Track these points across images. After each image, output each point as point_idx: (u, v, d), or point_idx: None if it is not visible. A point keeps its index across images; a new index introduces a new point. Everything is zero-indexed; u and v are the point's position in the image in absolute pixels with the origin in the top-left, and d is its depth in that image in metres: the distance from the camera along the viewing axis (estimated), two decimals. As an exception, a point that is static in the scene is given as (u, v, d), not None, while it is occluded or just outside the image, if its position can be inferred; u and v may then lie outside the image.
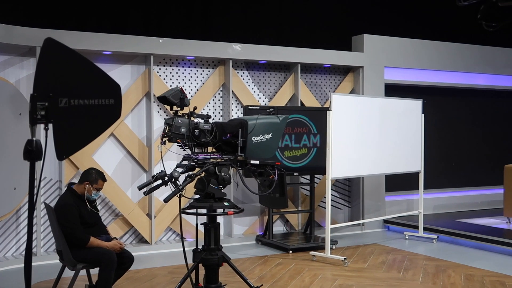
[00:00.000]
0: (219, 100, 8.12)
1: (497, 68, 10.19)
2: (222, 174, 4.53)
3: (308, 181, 8.21)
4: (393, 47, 9.18)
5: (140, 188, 4.58)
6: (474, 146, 10.26)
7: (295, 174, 7.87)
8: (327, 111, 6.79)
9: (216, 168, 4.53)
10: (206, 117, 4.64)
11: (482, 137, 10.35)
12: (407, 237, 8.25)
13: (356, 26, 9.23)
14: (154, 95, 7.43)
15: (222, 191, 4.60)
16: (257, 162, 4.68)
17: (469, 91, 10.09)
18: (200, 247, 4.71)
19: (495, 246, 7.34)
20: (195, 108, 4.63)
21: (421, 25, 9.93)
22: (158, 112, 7.68)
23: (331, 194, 7.11)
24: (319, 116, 7.75)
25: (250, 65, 8.33)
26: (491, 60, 10.12)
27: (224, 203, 4.59)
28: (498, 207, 9.50)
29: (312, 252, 7.04)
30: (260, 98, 8.39)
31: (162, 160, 4.49)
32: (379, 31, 9.12)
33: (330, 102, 6.83)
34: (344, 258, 6.70)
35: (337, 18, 9.33)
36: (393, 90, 9.01)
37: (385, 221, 8.98)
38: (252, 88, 8.34)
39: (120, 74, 7.37)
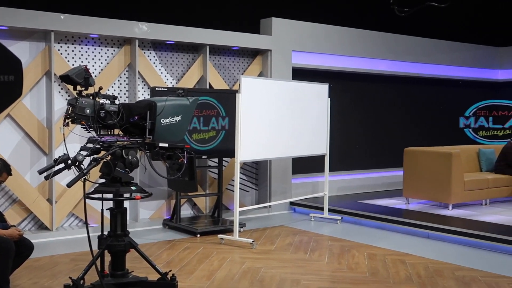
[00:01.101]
0: (124, 81, 7.85)
1: (399, 54, 10.57)
2: (130, 157, 4.36)
3: (216, 164, 8.16)
4: (300, 31, 9.27)
5: (40, 172, 4.32)
6: (377, 130, 10.63)
7: (203, 157, 7.78)
8: (237, 94, 6.75)
9: (123, 151, 4.35)
10: (112, 98, 4.43)
11: (384, 121, 10.73)
12: (312, 219, 8.42)
13: (265, 9, 9.22)
14: (55, 74, 7.04)
15: (130, 175, 4.44)
16: (166, 145, 4.54)
17: (373, 76, 10.42)
18: (105, 233, 4.53)
19: (395, 225, 7.65)
20: (100, 88, 4.41)
21: (329, 10, 10.08)
22: (60, 92, 7.29)
23: (239, 177, 7.10)
24: (228, 98, 7.69)
25: (158, 46, 8.10)
26: (393, 46, 10.49)
27: (132, 187, 4.43)
28: (398, 188, 9.91)
29: (220, 236, 7.01)
30: (167, 79, 8.20)
31: (64, 143, 4.24)
32: (288, 15, 9.17)
33: (239, 84, 6.78)
34: (252, 241, 6.72)
35: (246, 0, 9.28)
36: (300, 74, 9.12)
37: (291, 203, 9.12)
38: (160, 69, 8.13)
39: (18, 51, 6.88)
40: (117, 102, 4.44)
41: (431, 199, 8.73)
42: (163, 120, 4.50)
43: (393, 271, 5.72)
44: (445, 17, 11.04)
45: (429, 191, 8.62)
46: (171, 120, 4.56)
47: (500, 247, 6.52)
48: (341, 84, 9.95)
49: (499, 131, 12.00)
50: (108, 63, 7.66)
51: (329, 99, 8.31)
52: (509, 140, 9.67)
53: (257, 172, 9.10)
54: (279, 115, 7.47)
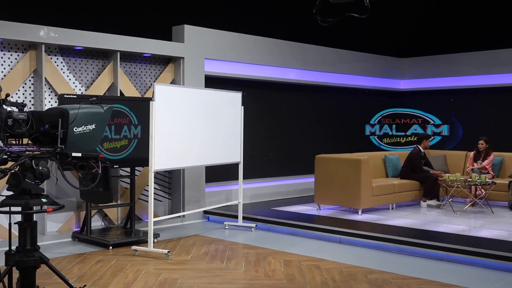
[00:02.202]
0: (30, 87, 7.48)
1: (308, 63, 10.82)
2: (40, 168, 4.14)
3: (128, 174, 7.95)
4: (213, 39, 9.26)
5: None
6: (289, 137, 10.80)
7: (115, 166, 7.55)
8: (150, 102, 6.61)
9: (33, 161, 4.12)
10: (21, 106, 4.19)
11: (296, 129, 10.92)
12: (227, 227, 8.40)
13: (177, 16, 9.13)
14: (-47, 80, 6.60)
15: (40, 186, 4.22)
16: (79, 154, 4.35)
17: (284, 85, 10.58)
18: (13, 248, 4.27)
19: (308, 231, 7.79)
20: (7, 95, 4.16)
21: (241, 19, 10.14)
22: (-42, 99, 6.82)
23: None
24: (140, 106, 7.53)
25: (65, 51, 7.80)
26: (303, 56, 10.72)
27: (42, 199, 4.20)
28: (310, 194, 10.11)
29: (134, 247, 6.83)
30: (76, 86, 7.91)
31: (-33, 153, 3.95)
32: (201, 23, 9.13)
33: (153, 92, 6.65)
34: (167, 251, 6.60)
35: (158, 6, 9.14)
36: (213, 82, 9.10)
37: (205, 212, 9.05)
38: (68, 76, 7.82)
39: None
40: (26, 109, 4.21)
41: (342, 205, 8.97)
42: (76, 129, 4.31)
43: (309, 276, 5.80)
44: (351, 28, 11.42)
45: (339, 197, 8.86)
46: (85, 128, 4.38)
47: (407, 250, 6.79)
48: (254, 92, 10.03)
49: (401, 138, 12.57)
50: (11, 69, 7.28)
51: (242, 107, 8.34)
52: (414, 146, 10.12)
53: (170, 181, 8.96)
54: (192, 123, 7.40)
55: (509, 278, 5.76)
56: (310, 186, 9.88)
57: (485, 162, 9.88)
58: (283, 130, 10.69)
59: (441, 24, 12.43)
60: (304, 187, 10.75)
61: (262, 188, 10.28)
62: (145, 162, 7.01)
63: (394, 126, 12.65)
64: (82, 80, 7.96)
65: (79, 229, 7.67)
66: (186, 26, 8.89)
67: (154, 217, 6.91)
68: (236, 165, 8.46)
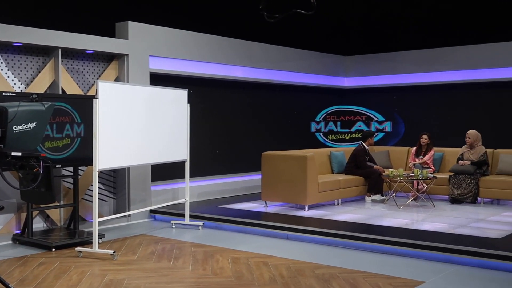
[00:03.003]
0: (-35, 85, 7.19)
1: (254, 61, 10.83)
2: (-23, 168, 3.99)
3: (71, 173, 7.75)
4: (157, 36, 9.14)
5: None
6: (236, 135, 10.79)
7: (57, 166, 7.34)
8: (94, 99, 6.47)
9: (-30, 161, 3.96)
10: (-44, 103, 4.02)
11: (243, 126, 10.92)
12: (174, 226, 8.31)
13: (121, 12, 8.96)
14: None
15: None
16: (19, 153, 4.21)
17: (230, 82, 10.56)
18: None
19: (256, 228, 7.80)
20: None
21: (186, 16, 10.06)
22: None
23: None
24: (83, 104, 7.36)
25: (3, 48, 7.53)
26: (248, 53, 10.72)
27: (-20, 201, 4.04)
28: (257, 191, 10.13)
29: (78, 248, 6.66)
30: (15, 84, 7.64)
31: None
32: (145, 19, 9.00)
33: (96, 90, 6.50)
34: (113, 252, 6.47)
35: (101, 2, 8.94)
36: (158, 79, 9.00)
37: (151, 211, 8.93)
38: (6, 73, 7.55)
39: None
40: (-39, 107, 4.04)
41: (289, 201, 9.04)
42: (15, 127, 4.17)
43: (257, 273, 5.81)
44: (297, 27, 11.51)
45: (286, 193, 8.92)
46: (25, 127, 4.24)
47: (353, 244, 6.90)
48: (200, 90, 9.97)
49: (346, 135, 12.78)
50: None
51: (188, 104, 8.28)
52: (359, 143, 10.29)
53: (115, 180, 8.80)
54: (137, 121, 7.28)
55: (451, 269, 5.94)
56: (257, 183, 9.91)
57: (426, 157, 10.15)
58: (229, 127, 10.67)
59: (384, 22, 12.69)
60: (251, 184, 10.77)
61: (209, 186, 10.23)
62: (88, 161, 6.86)
63: (339, 123, 12.84)
64: (21, 77, 7.70)
65: (19, 231, 7.42)
66: (130, 22, 8.74)
67: (98, 217, 6.75)
68: (182, 163, 8.39)
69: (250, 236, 7.69)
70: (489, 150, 9.79)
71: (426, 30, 12.20)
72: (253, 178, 10.70)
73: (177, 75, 9.51)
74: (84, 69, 8.41)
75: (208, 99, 10.25)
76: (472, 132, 9.72)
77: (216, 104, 10.44)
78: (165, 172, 9.17)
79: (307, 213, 8.59)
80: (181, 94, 8.18)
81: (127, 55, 8.66)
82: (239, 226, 7.97)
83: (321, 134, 12.66)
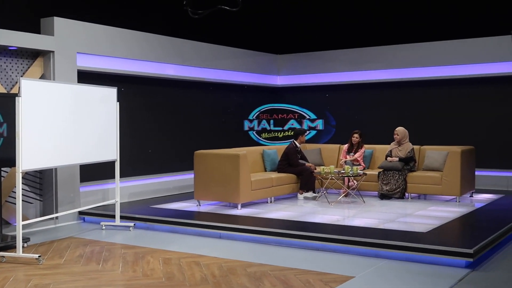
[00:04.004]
0: None
1: (186, 59, 10.72)
2: None
3: (-6, 175, 7.41)
4: (86, 32, 8.89)
5: None
6: (169, 133, 10.64)
7: (-22, 167, 7.00)
8: (16, 98, 6.21)
9: None
10: None
11: (175, 125, 10.79)
12: (103, 227, 8.11)
13: (46, 7, 8.65)
14: None
15: None
16: None
17: (162, 80, 10.41)
18: None
19: (188, 228, 7.72)
20: None
21: (116, 13, 9.83)
22: None
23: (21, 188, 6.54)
24: (6, 103, 7.03)
25: None
26: (180, 51, 10.60)
27: None
28: (190, 191, 10.04)
29: (1, 253, 6.38)
30: None
31: None
32: (73, 15, 8.73)
33: (19, 87, 6.24)
34: (38, 256, 6.24)
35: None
36: (88, 77, 8.75)
37: (80, 212, 8.69)
38: None
39: None
40: None
41: (221, 200, 8.99)
42: None
43: (189, 273, 5.74)
44: (229, 24, 11.50)
45: (219, 192, 8.87)
46: None
47: (285, 241, 6.94)
48: (131, 88, 9.77)
49: (279, 133, 12.87)
50: None
51: (118, 103, 8.09)
52: (291, 141, 10.36)
53: (41, 181, 8.49)
54: (64, 120, 7.05)
55: (380, 264, 6.06)
56: (190, 182, 9.82)
57: (357, 155, 10.35)
58: (162, 126, 10.52)
59: (316, 21, 12.86)
60: (184, 183, 10.66)
61: (141, 186, 10.04)
62: (12, 162, 6.58)
63: (272, 121, 12.93)
64: None
65: None
66: (56, 18, 8.45)
67: (23, 220, 6.50)
68: (113, 163, 8.19)
69: (182, 236, 7.60)
70: (416, 147, 10.09)
71: (357, 30, 12.45)
72: (186, 177, 10.59)
73: (107, 73, 9.29)
74: (7, 66, 8.07)
75: (140, 97, 10.07)
76: (400, 129, 9.99)
77: (148, 102, 10.26)
78: (94, 172, 8.93)
79: (240, 211, 8.57)
80: (110, 92, 7.98)
81: (53, 52, 8.38)
82: (171, 226, 7.87)
83: (254, 132, 12.70)
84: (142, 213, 8.36)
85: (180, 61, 10.61)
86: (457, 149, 9.50)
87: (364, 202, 9.33)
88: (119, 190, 8.19)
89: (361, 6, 12.16)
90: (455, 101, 11.42)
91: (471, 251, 5.84)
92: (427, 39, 11.49)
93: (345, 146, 10.62)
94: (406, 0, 11.70)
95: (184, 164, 10.47)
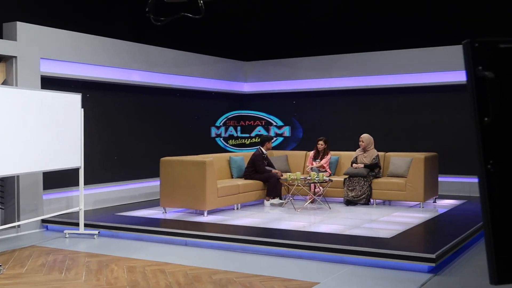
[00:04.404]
0: None
1: (152, 65, 10.67)
2: None
3: (-47, 183, 7.24)
4: (50, 38, 8.77)
5: None
6: (135, 140, 10.55)
7: None
8: (-24, 103, 6.08)
9: None
10: None
11: (142, 131, 10.71)
12: (67, 236, 7.99)
13: (9, 12, 8.51)
14: None
15: None
16: None
17: (128, 86, 10.33)
18: None
19: (154, 236, 7.66)
20: None
21: (81, 18, 9.73)
22: None
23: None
24: (-34, 109, 6.88)
25: None
26: (147, 57, 10.55)
27: None
28: (156, 198, 9.96)
29: (-41, 263, 6.23)
30: None
31: None
32: (37, 20, 8.61)
33: (-21, 93, 6.12)
34: (-1, 265, 6.11)
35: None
36: (52, 83, 8.62)
37: (43, 220, 8.54)
38: None
39: None
40: None
41: (188, 207, 8.95)
42: None
43: (153, 281, 5.69)
44: (196, 31, 11.49)
45: (185, 199, 8.83)
46: None
47: (251, 248, 6.94)
48: (97, 94, 9.67)
49: (246, 139, 12.89)
50: None
51: (82, 109, 7.99)
52: (258, 147, 10.39)
53: (3, 189, 8.32)
54: (27, 127, 6.94)
55: (344, 269, 6.11)
56: (156, 189, 9.75)
57: (323, 161, 10.44)
58: (128, 133, 10.43)
59: (283, 29, 12.95)
60: (150, 190, 10.58)
61: (106, 193, 9.93)
62: (-29, 169, 6.43)
63: (239, 128, 12.94)
64: None
65: None
66: (18, 23, 8.32)
67: (-17, 229, 6.36)
68: (76, 170, 8.08)
69: (148, 243, 7.54)
70: (381, 153, 10.22)
71: (324, 37, 12.57)
72: (152, 184, 10.51)
73: (72, 79, 9.17)
74: (-33, 71, 7.91)
75: (106, 103, 9.97)
76: (365, 136, 10.11)
77: (115, 108, 10.17)
78: (58, 179, 8.79)
79: (206, 218, 8.55)
80: (75, 99, 7.89)
81: (15, 57, 8.24)
82: (136, 234, 7.80)
83: (221, 139, 12.69)
84: (106, 221, 8.27)
85: (147, 67, 10.55)
86: (421, 155, 9.66)
87: (330, 208, 9.40)
88: (83, 198, 8.08)
89: (327, 14, 12.29)
90: (419, 109, 11.61)
91: (433, 256, 5.94)
92: (393, 48, 11.67)
93: (311, 153, 10.70)
94: (372, 9, 11.88)
95: (150, 171, 10.38)
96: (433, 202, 10.18)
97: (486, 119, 1.44)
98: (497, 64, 1.46)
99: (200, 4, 4.49)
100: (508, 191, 1.43)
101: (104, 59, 9.68)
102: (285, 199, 10.07)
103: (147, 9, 4.79)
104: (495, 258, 1.39)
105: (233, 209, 9.41)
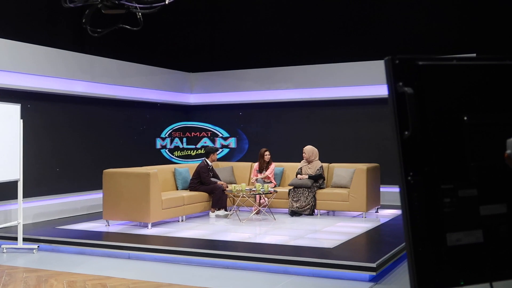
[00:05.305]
0: None
1: (96, 76, 10.51)
2: None
3: None
4: (-13, 47, 8.53)
5: None
6: (78, 152, 10.34)
7: None
8: None
9: None
10: None
11: (85, 143, 10.51)
12: (5, 250, 7.73)
13: None
14: None
15: None
16: None
17: (71, 97, 10.14)
18: None
19: (96, 249, 7.51)
20: None
21: (19, 27, 9.50)
22: None
23: None
24: None
25: None
26: (89, 68, 10.38)
27: None
28: (99, 210, 9.78)
29: None
30: None
31: None
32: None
33: None
34: None
35: None
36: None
37: (-20, 235, 8.24)
38: None
39: None
40: None
41: (131, 220, 8.83)
42: None
43: (94, 296, 5.58)
44: (142, 42, 11.40)
45: (129, 211, 8.71)
46: None
47: (196, 260, 6.90)
48: (38, 105, 9.44)
49: (192, 151, 12.84)
50: None
51: (21, 120, 7.79)
52: (203, 159, 10.36)
53: None
54: (-38, 138, 6.70)
55: (288, 280, 6.16)
56: (99, 202, 9.58)
57: (268, 172, 10.51)
58: (71, 144, 10.21)
59: (228, 41, 13.02)
60: (93, 203, 10.37)
61: (47, 206, 9.68)
62: None
63: (184, 139, 12.87)
64: None
65: None
66: (-46, 31, 8.07)
67: None
68: (15, 183, 7.85)
69: (90, 257, 7.39)
70: (325, 165, 10.38)
71: (268, 50, 12.70)
72: (95, 197, 10.31)
73: (11, 89, 8.93)
74: None
75: (48, 114, 9.74)
76: (308, 148, 10.25)
77: (57, 119, 9.95)
78: (-4, 192, 8.53)
79: (150, 231, 8.45)
80: (13, 109, 7.68)
81: (-49, 66, 7.97)
82: (78, 248, 7.63)
83: (167, 150, 12.59)
84: (47, 235, 8.06)
85: (91, 77, 10.39)
86: (363, 166, 9.86)
87: (275, 219, 9.46)
88: (22, 211, 7.85)
89: (271, 27, 12.44)
90: (361, 120, 11.86)
91: (374, 265, 6.06)
92: (336, 61, 11.89)
93: (256, 165, 10.75)
94: (316, 22, 12.09)
95: (93, 183, 10.19)
96: (376, 212, 10.40)
97: (406, 132, 1.50)
98: (416, 80, 1.52)
99: (138, 16, 4.47)
100: (427, 202, 1.49)
101: (46, 69, 9.48)
102: (230, 210, 10.07)
103: (83, 20, 4.73)
104: (415, 266, 1.44)
105: (178, 221, 9.34)
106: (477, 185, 1.54)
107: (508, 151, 1.51)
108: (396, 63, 1.53)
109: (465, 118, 1.55)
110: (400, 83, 1.51)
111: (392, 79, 1.51)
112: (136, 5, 4.31)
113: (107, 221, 8.95)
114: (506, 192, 1.56)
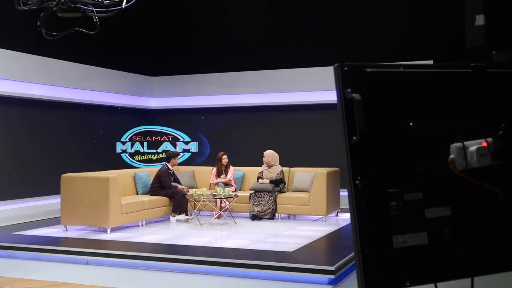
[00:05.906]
0: None
1: (54, 79, 10.35)
2: None
3: None
4: None
5: None
6: (35, 156, 10.15)
7: None
8: None
9: None
10: None
11: (43, 147, 10.33)
12: (-42, 257, 7.54)
13: None
14: None
15: None
16: None
17: (28, 101, 9.95)
18: None
19: (53, 255, 7.39)
20: None
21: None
22: None
23: None
24: None
25: None
26: (47, 70, 10.22)
27: None
28: (57, 216, 9.62)
29: None
30: None
31: None
32: None
33: None
34: None
35: None
36: None
37: None
38: None
39: None
40: None
41: (90, 225, 8.72)
42: None
43: (50, 303, 5.49)
44: (102, 45, 11.27)
45: (87, 216, 8.60)
46: None
47: (156, 265, 6.86)
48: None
49: (153, 155, 12.74)
50: None
51: (-24, 124, 7.62)
52: (163, 163, 10.30)
53: None
54: None
55: (248, 284, 6.18)
56: (57, 207, 9.41)
57: (229, 175, 10.52)
58: (28, 148, 10.03)
59: (189, 45, 12.99)
60: (51, 208, 10.19)
61: (3, 211, 9.47)
62: None
63: (145, 143, 12.76)
64: None
65: None
66: None
67: None
68: (-31, 188, 7.68)
69: (47, 263, 7.26)
70: (285, 169, 10.44)
71: (230, 54, 12.72)
72: (53, 202, 10.14)
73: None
74: None
75: (4, 117, 9.55)
76: (267, 153, 10.30)
77: (13, 123, 9.75)
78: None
79: (109, 236, 8.35)
80: (-32, 113, 7.50)
81: None
82: (35, 254, 7.49)
83: (127, 154, 12.46)
84: (2, 241, 7.88)
85: (48, 80, 10.22)
86: (323, 170, 9.96)
87: (236, 223, 9.47)
88: (-24, 217, 7.67)
89: (233, 32, 12.47)
90: (322, 125, 11.98)
91: (332, 268, 6.13)
92: (297, 66, 12.00)
93: (214, 169, 10.74)
94: (277, 27, 12.18)
95: (51, 188, 10.02)
96: (336, 215, 10.51)
97: (354, 138, 1.54)
98: (364, 87, 1.56)
99: (95, 20, 4.43)
100: (374, 205, 1.54)
101: (1, 72, 9.28)
102: (191, 215, 10.04)
103: (38, 23, 4.66)
104: (362, 268, 1.48)
105: (138, 225, 9.26)
106: (422, 189, 1.59)
107: (452, 156, 1.57)
108: (345, 69, 1.57)
109: (411, 124, 1.60)
110: (349, 90, 1.55)
111: (341, 86, 1.55)
112: (93, 8, 4.28)
113: (65, 226, 8.81)
114: (450, 195, 1.62)
